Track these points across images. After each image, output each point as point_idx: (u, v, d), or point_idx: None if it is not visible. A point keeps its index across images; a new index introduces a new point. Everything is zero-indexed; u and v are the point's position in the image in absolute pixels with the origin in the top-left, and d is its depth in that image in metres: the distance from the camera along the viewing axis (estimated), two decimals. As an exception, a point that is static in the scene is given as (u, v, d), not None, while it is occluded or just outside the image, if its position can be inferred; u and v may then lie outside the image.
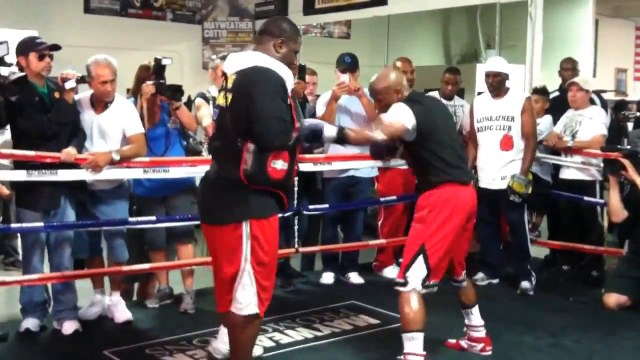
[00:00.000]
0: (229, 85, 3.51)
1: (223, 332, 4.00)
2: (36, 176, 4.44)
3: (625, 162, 5.22)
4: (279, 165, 3.42)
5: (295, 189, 5.60)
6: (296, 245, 5.74)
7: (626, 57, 12.27)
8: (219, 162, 3.58)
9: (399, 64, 6.25)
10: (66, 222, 4.64)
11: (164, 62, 4.92)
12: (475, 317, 4.29)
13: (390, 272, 6.25)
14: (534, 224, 7.18)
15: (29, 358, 4.33)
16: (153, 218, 5.02)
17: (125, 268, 5.00)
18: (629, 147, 5.45)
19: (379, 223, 6.32)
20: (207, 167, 5.00)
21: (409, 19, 10.99)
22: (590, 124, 6.03)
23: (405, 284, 3.92)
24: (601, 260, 6.28)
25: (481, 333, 4.31)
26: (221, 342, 4.04)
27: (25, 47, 4.50)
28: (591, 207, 6.08)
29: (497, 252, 6.07)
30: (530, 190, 5.51)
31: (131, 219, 4.95)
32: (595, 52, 10.45)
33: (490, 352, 4.31)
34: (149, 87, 4.90)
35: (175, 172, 5.00)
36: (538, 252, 6.53)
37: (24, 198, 4.55)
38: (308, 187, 5.92)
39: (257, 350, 4.21)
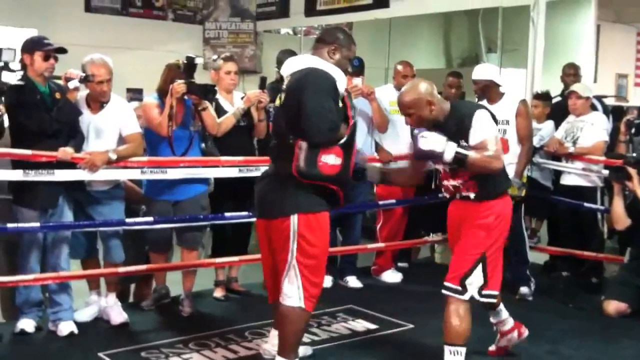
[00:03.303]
0: (284, 86, 3.74)
1: (273, 334, 4.14)
2: (33, 176, 4.41)
3: (632, 171, 5.18)
4: (331, 160, 3.58)
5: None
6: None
7: (627, 62, 12.24)
8: (274, 160, 3.80)
9: (399, 67, 6.21)
10: (63, 222, 4.61)
11: (196, 61, 4.87)
12: (503, 313, 4.20)
13: (389, 276, 6.24)
14: (534, 229, 7.14)
15: (23, 359, 4.28)
16: (150, 219, 4.99)
17: (122, 269, 4.96)
18: (634, 154, 5.40)
19: (378, 226, 6.29)
20: (207, 170, 5.07)
21: (410, 21, 10.97)
22: (591, 130, 6.00)
23: (463, 292, 3.80)
24: (601, 267, 6.25)
25: (510, 323, 4.24)
26: (271, 344, 4.16)
27: (32, 46, 4.47)
28: (591, 213, 6.04)
29: None
30: (523, 193, 5.47)
31: (128, 220, 4.91)
32: (596, 57, 10.41)
33: (527, 333, 4.29)
34: (180, 86, 4.79)
35: (173, 173, 4.96)
36: (537, 257, 6.50)
37: (22, 196, 4.51)
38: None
39: (307, 350, 4.27)
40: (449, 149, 3.65)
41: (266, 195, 3.77)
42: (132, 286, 5.63)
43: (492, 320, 4.25)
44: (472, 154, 3.66)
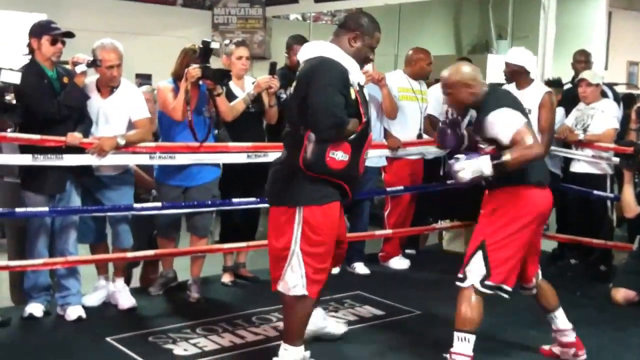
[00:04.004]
0: (297, 73, 3.68)
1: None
2: (42, 161, 4.41)
3: None
4: (339, 156, 3.53)
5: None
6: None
7: (638, 50, 12.16)
8: (286, 147, 3.74)
9: (421, 54, 6.19)
10: (71, 207, 4.62)
11: (212, 45, 4.83)
12: (560, 320, 4.10)
13: (396, 263, 6.23)
14: (543, 217, 7.10)
15: (31, 344, 4.29)
16: (158, 204, 4.99)
17: (130, 254, 4.97)
18: None
19: (386, 213, 6.28)
20: (216, 155, 5.06)
21: (420, 8, 10.93)
22: (602, 117, 5.97)
23: (463, 279, 3.79)
24: (610, 255, 6.22)
25: (570, 337, 4.12)
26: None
27: (40, 30, 4.47)
28: (601, 201, 6.01)
29: None
30: None
31: (136, 205, 4.91)
32: (607, 44, 10.35)
33: (584, 357, 4.12)
34: (195, 70, 4.76)
35: (181, 159, 4.95)
36: (546, 245, 6.46)
37: (30, 181, 4.52)
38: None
39: (341, 328, 4.34)
40: (486, 167, 3.64)
41: (275, 183, 3.75)
42: (135, 270, 5.60)
43: (552, 327, 4.14)
44: (508, 157, 3.62)
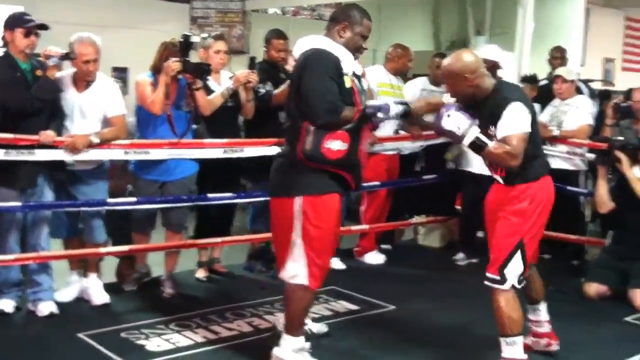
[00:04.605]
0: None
1: None
2: (14, 155, 4.37)
3: (621, 155, 5.17)
4: (336, 145, 3.58)
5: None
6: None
7: (615, 47, 12.25)
8: (286, 142, 3.80)
9: (390, 49, 6.20)
10: (44, 202, 4.58)
11: (192, 39, 4.80)
12: (542, 312, 4.11)
13: (372, 258, 6.24)
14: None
15: (1, 339, 4.24)
16: (133, 199, 4.96)
17: (104, 250, 4.94)
18: (620, 138, 5.40)
19: (362, 208, 6.28)
20: (191, 151, 5.02)
21: (399, 3, 10.92)
22: (576, 113, 6.00)
23: (503, 282, 3.66)
24: (583, 250, 6.27)
25: (546, 328, 4.14)
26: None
27: (13, 22, 4.44)
28: (574, 196, 6.05)
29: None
30: None
31: (110, 200, 4.87)
32: (584, 41, 10.41)
33: (556, 348, 4.15)
34: (175, 64, 4.73)
35: (156, 154, 4.91)
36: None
37: (1, 176, 4.47)
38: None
39: (322, 328, 4.37)
40: (469, 135, 3.57)
41: (275, 175, 3.81)
42: (109, 265, 5.55)
43: (529, 316, 4.12)
44: (490, 145, 3.57)
